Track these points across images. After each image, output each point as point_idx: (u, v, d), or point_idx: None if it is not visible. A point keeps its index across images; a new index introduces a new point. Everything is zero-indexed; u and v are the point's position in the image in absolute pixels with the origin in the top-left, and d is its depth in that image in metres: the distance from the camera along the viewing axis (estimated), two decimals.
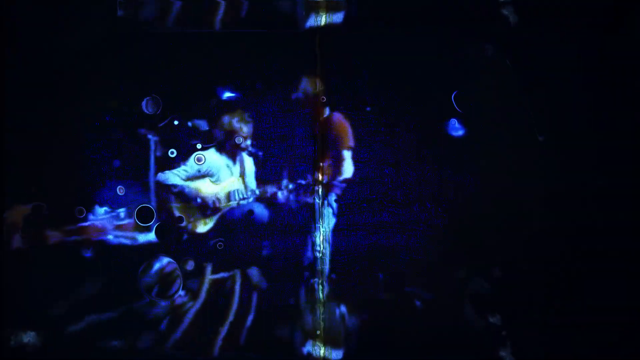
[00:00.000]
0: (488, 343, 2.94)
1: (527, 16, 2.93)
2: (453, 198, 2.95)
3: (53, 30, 2.90)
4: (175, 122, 2.93)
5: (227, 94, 2.96)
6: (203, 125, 2.95)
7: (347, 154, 2.97)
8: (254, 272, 2.95)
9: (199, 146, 2.95)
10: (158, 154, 2.93)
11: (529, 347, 2.93)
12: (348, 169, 2.97)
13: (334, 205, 2.96)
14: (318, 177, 2.96)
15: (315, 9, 2.96)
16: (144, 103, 2.93)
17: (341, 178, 2.97)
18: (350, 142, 2.97)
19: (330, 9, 2.97)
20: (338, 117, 2.97)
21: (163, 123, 2.93)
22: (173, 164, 2.95)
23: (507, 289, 2.94)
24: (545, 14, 2.93)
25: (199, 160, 2.95)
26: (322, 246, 2.95)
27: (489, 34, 2.95)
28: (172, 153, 2.94)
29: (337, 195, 2.97)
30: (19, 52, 2.89)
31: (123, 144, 2.93)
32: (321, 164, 2.96)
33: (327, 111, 2.97)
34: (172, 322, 2.93)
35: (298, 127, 2.97)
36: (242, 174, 2.98)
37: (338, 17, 2.97)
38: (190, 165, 2.95)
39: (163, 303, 2.92)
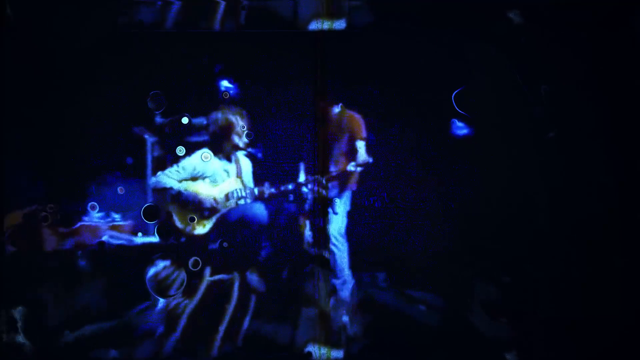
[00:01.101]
0: (493, 345, 2.92)
1: (529, 17, 2.92)
2: (457, 198, 2.94)
3: (54, 29, 2.89)
4: (185, 121, 2.92)
5: (227, 94, 2.95)
6: (202, 124, 2.94)
7: (361, 145, 2.95)
8: (254, 273, 2.93)
9: (206, 150, 2.94)
10: (155, 153, 2.92)
11: (534, 349, 2.91)
12: (361, 159, 2.95)
13: (335, 204, 2.95)
14: (319, 176, 2.94)
15: (317, 15, 2.95)
16: (147, 101, 2.92)
17: (353, 169, 2.95)
18: (363, 134, 2.95)
19: (332, 15, 2.95)
20: (349, 111, 2.96)
21: (163, 121, 2.92)
22: (176, 162, 2.93)
23: (513, 290, 2.93)
24: (548, 14, 2.92)
25: (205, 157, 2.93)
26: (324, 245, 2.94)
27: (490, 35, 2.94)
28: (180, 151, 2.93)
29: (338, 195, 2.95)
30: (19, 51, 2.88)
31: (121, 144, 2.91)
32: (323, 162, 2.94)
33: (333, 109, 2.96)
34: (171, 322, 2.92)
35: (299, 126, 2.95)
36: (240, 174, 2.97)
37: (340, 24, 2.96)
38: (183, 167, 2.94)
39: (164, 301, 2.90)
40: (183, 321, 2.91)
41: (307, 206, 2.95)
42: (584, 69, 2.94)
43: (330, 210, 2.96)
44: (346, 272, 2.95)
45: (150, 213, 2.92)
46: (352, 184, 2.96)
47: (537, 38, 2.95)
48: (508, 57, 2.95)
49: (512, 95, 2.96)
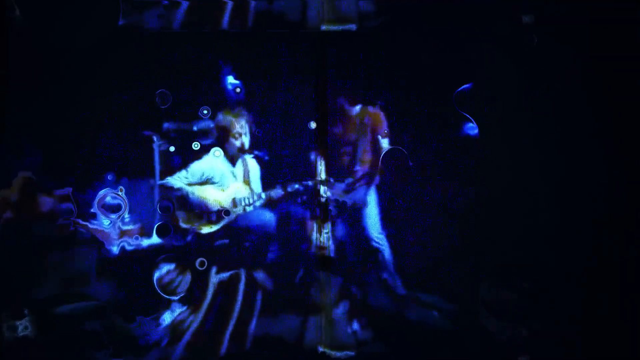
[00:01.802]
0: (505, 348, 2.92)
1: (532, 17, 2.98)
2: (462, 199, 2.95)
3: (61, 30, 2.88)
4: (205, 112, 2.90)
5: (233, 95, 2.95)
6: (209, 126, 2.93)
7: (384, 142, 2.97)
8: (261, 275, 2.91)
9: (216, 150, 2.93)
10: (164, 155, 2.90)
11: (547, 352, 2.91)
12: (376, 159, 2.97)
13: (368, 204, 2.94)
14: (324, 176, 2.95)
15: (325, 16, 2.98)
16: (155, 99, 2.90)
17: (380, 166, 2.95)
18: (385, 130, 2.96)
19: (339, 22, 2.98)
20: (368, 108, 2.97)
21: (167, 125, 2.90)
22: (185, 167, 2.91)
23: (513, 290, 2.93)
24: (550, 14, 2.98)
25: (217, 155, 2.91)
26: (329, 247, 2.92)
27: (491, 35, 2.99)
28: (196, 146, 2.90)
29: (365, 195, 2.95)
30: (27, 52, 2.85)
31: (127, 145, 2.89)
32: (332, 163, 2.95)
33: (352, 108, 2.97)
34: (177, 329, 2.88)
35: (306, 127, 2.96)
36: (247, 178, 2.95)
37: (348, 25, 3.00)
38: (191, 172, 2.92)
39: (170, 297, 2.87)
40: (190, 323, 2.88)
41: (315, 208, 2.95)
42: (584, 69, 3.00)
43: (331, 212, 2.96)
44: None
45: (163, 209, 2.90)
46: (376, 181, 2.97)
47: (539, 38, 3.01)
48: (510, 56, 2.99)
49: (514, 95, 3.01)
